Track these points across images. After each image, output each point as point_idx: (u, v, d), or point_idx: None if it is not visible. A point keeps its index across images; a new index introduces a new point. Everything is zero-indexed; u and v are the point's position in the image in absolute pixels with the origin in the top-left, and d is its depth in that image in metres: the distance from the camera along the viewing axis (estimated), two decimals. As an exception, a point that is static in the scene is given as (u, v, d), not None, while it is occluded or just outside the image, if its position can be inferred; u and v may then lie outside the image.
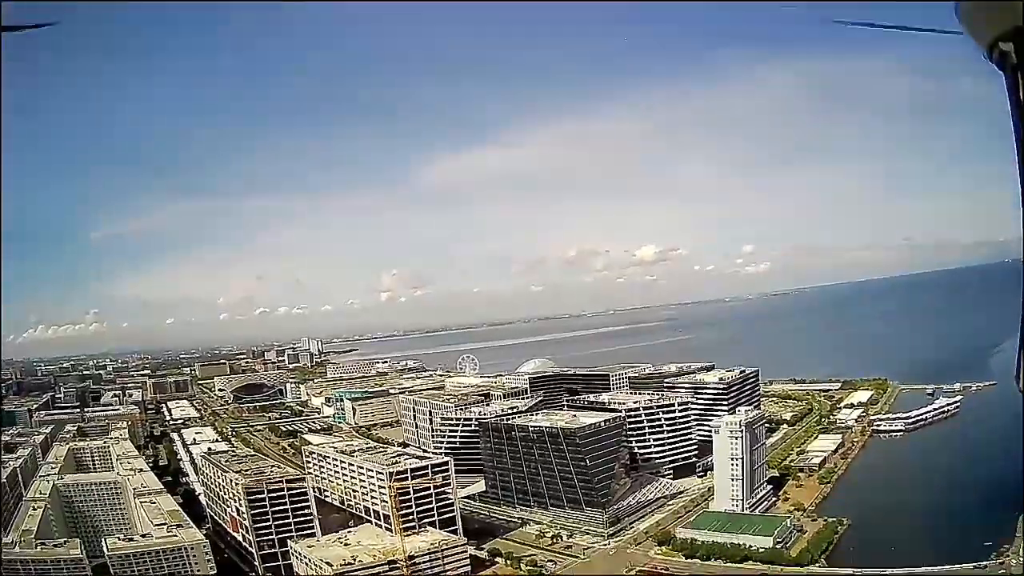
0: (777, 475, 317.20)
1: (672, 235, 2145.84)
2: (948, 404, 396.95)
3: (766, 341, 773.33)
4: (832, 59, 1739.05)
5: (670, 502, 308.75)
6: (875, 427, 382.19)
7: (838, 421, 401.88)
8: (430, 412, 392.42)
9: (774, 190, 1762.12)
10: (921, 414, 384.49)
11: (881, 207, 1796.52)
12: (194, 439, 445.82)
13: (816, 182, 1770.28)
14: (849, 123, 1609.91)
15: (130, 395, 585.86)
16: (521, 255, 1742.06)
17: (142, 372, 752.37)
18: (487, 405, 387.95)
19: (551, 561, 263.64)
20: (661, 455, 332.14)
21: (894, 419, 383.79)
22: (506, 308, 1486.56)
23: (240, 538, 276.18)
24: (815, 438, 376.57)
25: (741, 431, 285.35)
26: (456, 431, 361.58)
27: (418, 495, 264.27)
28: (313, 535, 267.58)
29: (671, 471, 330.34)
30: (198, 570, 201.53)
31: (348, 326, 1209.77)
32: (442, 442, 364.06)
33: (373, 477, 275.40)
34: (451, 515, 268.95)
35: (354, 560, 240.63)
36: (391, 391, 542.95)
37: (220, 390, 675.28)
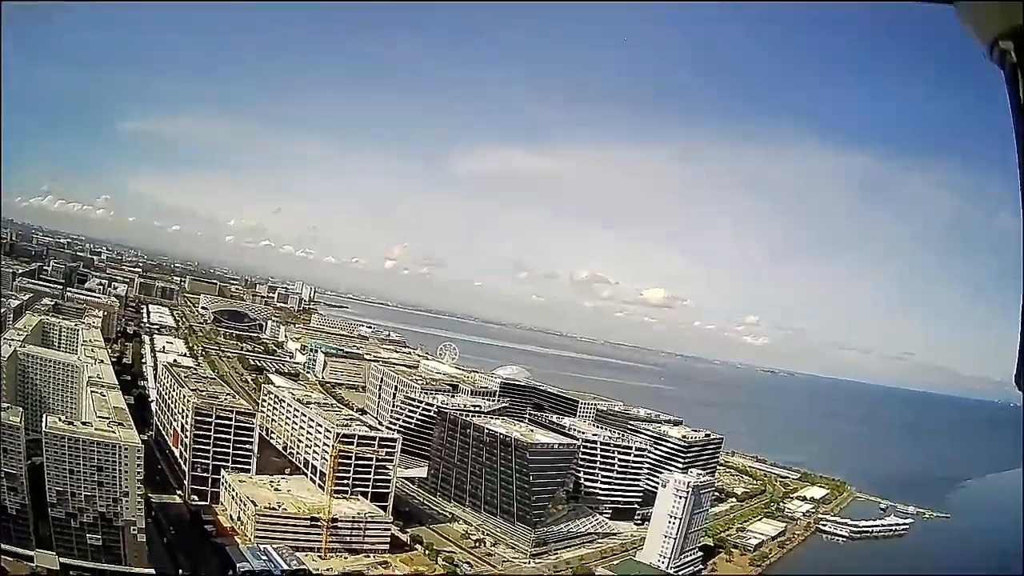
0: (711, 544, 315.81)
1: (682, 285, 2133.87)
2: (898, 524, 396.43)
3: (743, 413, 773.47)
4: (884, 160, 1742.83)
5: (600, 540, 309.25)
6: (820, 526, 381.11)
7: (786, 510, 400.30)
8: (396, 388, 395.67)
9: (793, 270, 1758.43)
10: (869, 526, 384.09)
11: (891, 316, 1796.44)
12: (164, 347, 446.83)
13: (835, 274, 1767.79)
14: (885, 227, 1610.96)
15: (115, 287, 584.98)
16: (532, 263, 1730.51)
17: (134, 268, 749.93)
18: (452, 397, 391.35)
19: (467, 563, 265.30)
20: (605, 493, 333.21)
21: (841, 523, 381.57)
22: (503, 310, 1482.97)
23: (178, 454, 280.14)
24: (759, 519, 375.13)
25: (687, 492, 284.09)
26: (415, 413, 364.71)
27: (359, 462, 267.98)
28: (248, 472, 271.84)
29: (610, 511, 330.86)
30: (126, 471, 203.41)
31: (346, 283, 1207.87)
32: (398, 419, 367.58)
33: (321, 433, 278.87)
34: (386, 491, 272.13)
35: (278, 506, 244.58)
36: (366, 356, 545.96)
37: (203, 308, 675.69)
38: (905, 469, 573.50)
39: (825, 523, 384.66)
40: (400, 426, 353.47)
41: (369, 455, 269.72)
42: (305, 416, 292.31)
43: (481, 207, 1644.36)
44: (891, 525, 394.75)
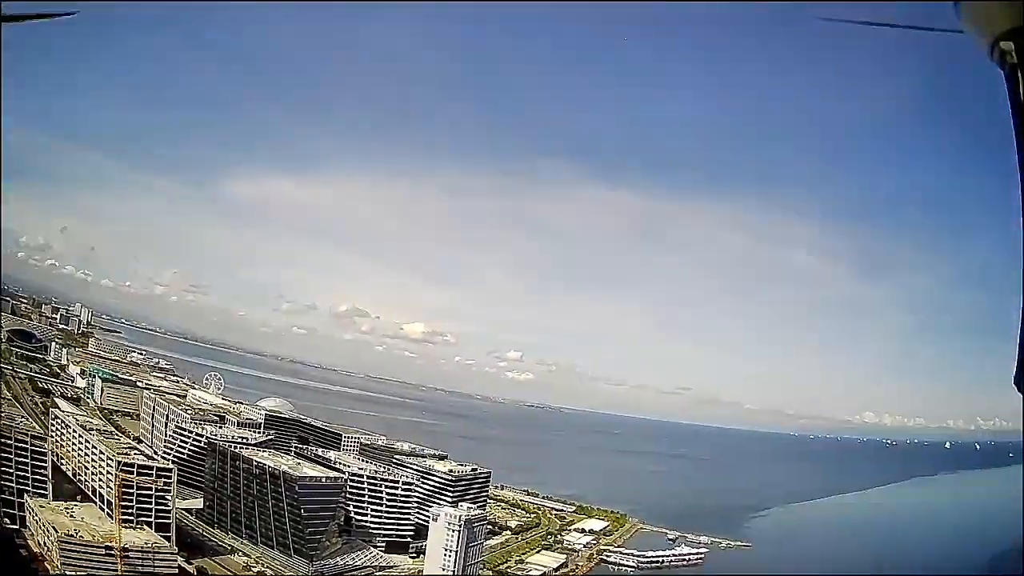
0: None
1: (443, 320, 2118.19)
2: (691, 554, 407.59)
3: (508, 447, 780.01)
4: (667, 197, 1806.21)
5: (379, 572, 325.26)
6: (605, 557, 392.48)
7: (565, 541, 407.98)
8: (167, 417, 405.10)
9: (560, 307, 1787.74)
10: (658, 556, 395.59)
11: (666, 351, 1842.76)
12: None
13: (606, 311, 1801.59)
14: (665, 265, 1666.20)
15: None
16: (295, 294, 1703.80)
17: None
18: (221, 427, 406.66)
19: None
20: (377, 526, 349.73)
21: (627, 554, 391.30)
22: (265, 340, 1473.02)
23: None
24: (537, 551, 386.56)
25: (460, 525, 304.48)
26: (187, 443, 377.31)
27: (140, 492, 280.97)
28: (46, 497, 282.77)
29: (383, 544, 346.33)
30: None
31: (119, 307, 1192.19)
32: (172, 449, 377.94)
33: (104, 461, 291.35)
34: (166, 522, 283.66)
35: (75, 534, 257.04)
36: (138, 383, 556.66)
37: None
38: (692, 500, 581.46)
39: (610, 554, 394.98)
40: (174, 456, 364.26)
41: (149, 485, 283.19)
42: (89, 443, 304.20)
43: (247, 235, 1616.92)
44: (683, 555, 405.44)
